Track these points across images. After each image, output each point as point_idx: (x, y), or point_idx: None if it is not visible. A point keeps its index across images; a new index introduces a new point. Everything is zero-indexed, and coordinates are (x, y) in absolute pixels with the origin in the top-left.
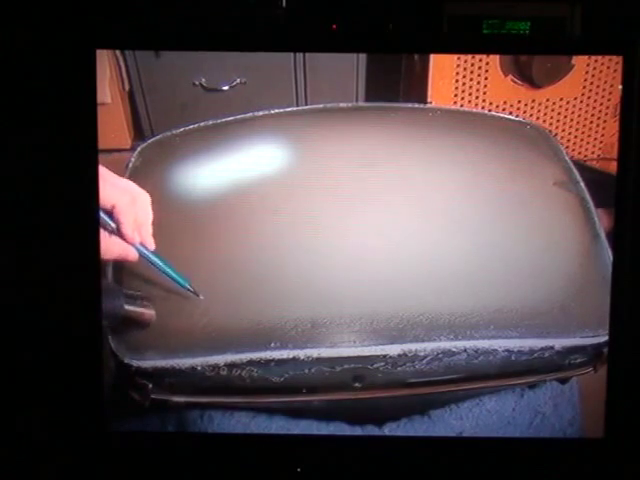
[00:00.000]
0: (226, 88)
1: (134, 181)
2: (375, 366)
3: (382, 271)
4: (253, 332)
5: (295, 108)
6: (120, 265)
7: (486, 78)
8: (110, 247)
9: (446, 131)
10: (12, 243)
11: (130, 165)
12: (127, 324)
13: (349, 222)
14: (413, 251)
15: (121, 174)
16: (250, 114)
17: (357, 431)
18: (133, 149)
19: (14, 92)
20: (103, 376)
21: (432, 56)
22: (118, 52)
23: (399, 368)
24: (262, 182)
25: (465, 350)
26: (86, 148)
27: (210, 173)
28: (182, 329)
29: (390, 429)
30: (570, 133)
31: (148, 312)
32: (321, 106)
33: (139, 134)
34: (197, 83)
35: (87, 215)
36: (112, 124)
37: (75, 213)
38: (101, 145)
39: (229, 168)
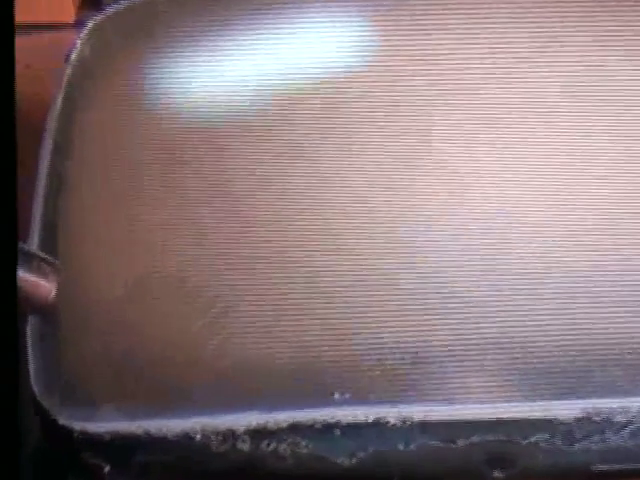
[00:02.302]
0: None
1: (81, 84)
2: (532, 440)
3: (542, 259)
4: (300, 372)
5: None
6: None
7: None
8: None
9: None
10: None
11: (73, 55)
12: None
13: (478, 160)
14: (595, 219)
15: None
16: None
17: None
18: (78, 26)
19: None
20: (20, 450)
21: None
22: None
23: (577, 445)
24: (315, 87)
25: None
26: None
27: (223, 72)
28: (169, 362)
29: None
30: None
31: (45, 284)
32: None
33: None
34: None
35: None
36: None
37: None
38: (20, 18)
39: (258, 63)
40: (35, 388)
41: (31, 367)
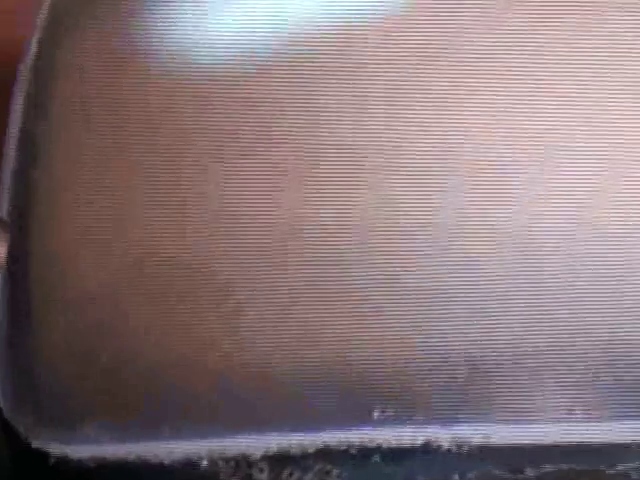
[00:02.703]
0: None
1: (62, 25)
2: (619, 469)
3: (628, 259)
4: (331, 384)
5: None
6: None
7: None
8: None
9: None
10: None
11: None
12: None
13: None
14: None
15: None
16: None
17: None
18: None
19: None
20: None
21: None
22: None
23: None
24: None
25: None
26: None
27: (236, 14)
28: (169, 370)
29: None
30: None
31: None
32: None
33: None
34: None
35: None
36: None
37: None
38: None
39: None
40: (2, 402)
41: None
